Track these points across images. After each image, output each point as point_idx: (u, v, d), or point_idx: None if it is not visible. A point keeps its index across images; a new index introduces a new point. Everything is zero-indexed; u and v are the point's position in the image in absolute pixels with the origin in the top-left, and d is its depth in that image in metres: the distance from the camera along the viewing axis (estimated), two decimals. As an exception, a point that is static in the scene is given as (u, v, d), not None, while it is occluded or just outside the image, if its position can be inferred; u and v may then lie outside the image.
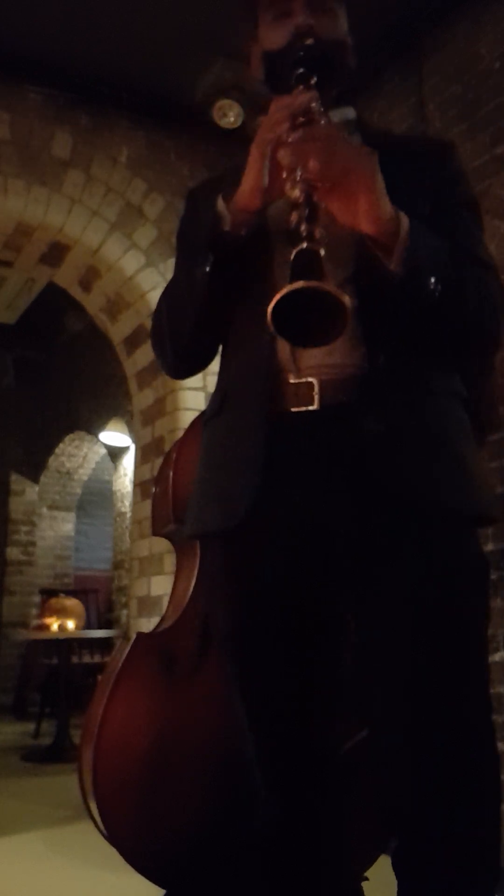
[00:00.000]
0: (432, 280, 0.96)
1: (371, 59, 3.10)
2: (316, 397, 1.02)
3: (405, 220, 0.96)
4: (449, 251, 1.02)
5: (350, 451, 1.00)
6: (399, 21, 3.00)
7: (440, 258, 0.99)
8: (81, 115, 3.51)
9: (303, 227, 0.86)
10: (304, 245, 0.84)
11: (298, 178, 0.90)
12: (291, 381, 1.04)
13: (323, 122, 0.97)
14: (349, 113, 1.20)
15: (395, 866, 0.97)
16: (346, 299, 0.81)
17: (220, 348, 1.20)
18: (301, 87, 1.01)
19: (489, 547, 2.41)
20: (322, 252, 0.84)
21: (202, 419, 1.22)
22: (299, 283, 0.80)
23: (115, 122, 3.59)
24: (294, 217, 0.88)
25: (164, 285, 1.24)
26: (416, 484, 0.99)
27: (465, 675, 0.97)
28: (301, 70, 1.02)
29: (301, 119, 0.95)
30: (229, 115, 3.27)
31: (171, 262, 3.53)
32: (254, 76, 1.19)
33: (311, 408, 1.02)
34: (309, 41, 1.06)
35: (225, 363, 1.18)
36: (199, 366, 1.23)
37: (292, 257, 0.84)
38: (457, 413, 1.07)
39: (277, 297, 0.81)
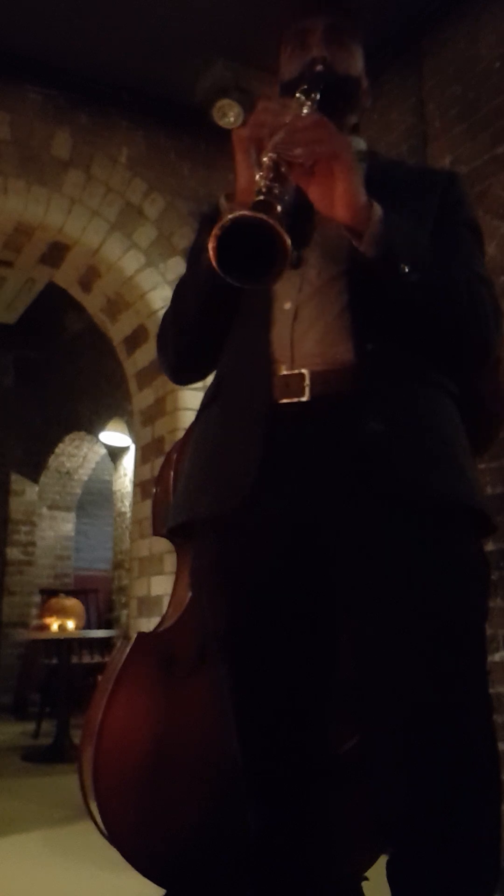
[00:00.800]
0: (405, 266, 0.98)
1: (371, 58, 3.10)
2: (307, 388, 1.03)
3: (377, 208, 0.98)
4: (430, 246, 1.04)
5: (343, 443, 1.00)
6: (399, 21, 3.00)
7: (415, 246, 1.01)
8: (81, 115, 3.51)
9: (263, 184, 0.87)
10: (261, 197, 0.85)
11: (274, 150, 0.93)
12: (283, 372, 1.05)
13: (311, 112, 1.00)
14: (360, 143, 1.23)
15: (390, 871, 0.96)
16: (287, 237, 0.82)
17: None
18: (297, 93, 1.04)
19: (489, 547, 2.41)
20: (279, 208, 0.84)
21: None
22: (240, 212, 0.81)
23: (115, 122, 3.59)
24: (258, 180, 0.90)
25: (164, 285, 1.25)
26: (412, 481, 0.99)
27: (463, 675, 0.97)
28: (304, 87, 1.06)
29: (291, 113, 0.98)
30: (229, 115, 3.27)
31: (172, 263, 3.56)
32: None
33: (301, 399, 1.03)
34: (319, 67, 1.11)
35: (223, 354, 1.18)
36: (200, 370, 1.24)
37: (251, 205, 0.84)
38: (448, 409, 1.08)
39: (219, 224, 0.82)
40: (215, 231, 0.82)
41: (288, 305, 1.07)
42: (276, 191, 0.87)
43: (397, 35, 3.06)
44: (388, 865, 0.96)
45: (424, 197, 1.14)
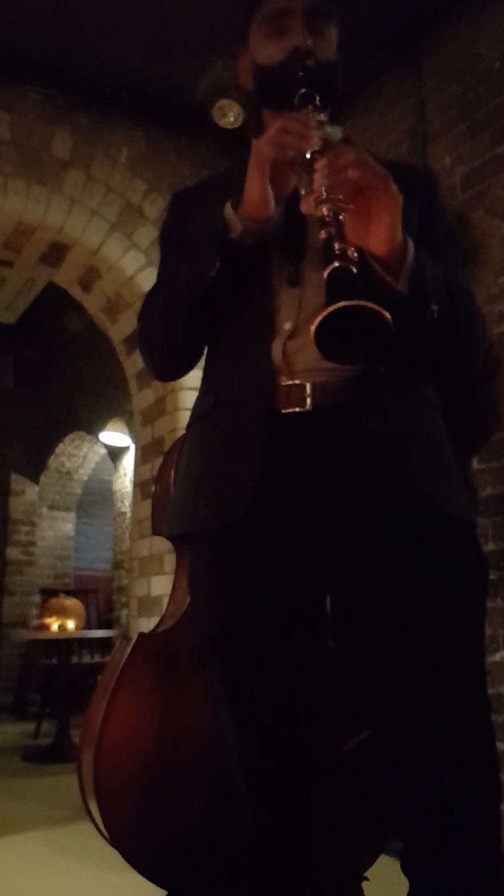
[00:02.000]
0: (434, 304, 1.00)
1: (371, 58, 3.10)
2: (308, 399, 1.04)
3: (411, 245, 0.99)
4: (443, 276, 1.05)
5: (343, 444, 1.01)
6: (399, 21, 3.00)
7: (439, 283, 1.03)
8: (81, 115, 3.51)
9: (336, 246, 0.87)
10: (337, 264, 0.85)
11: (324, 196, 0.91)
12: (284, 383, 1.05)
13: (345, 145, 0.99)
14: (337, 133, 1.22)
15: (404, 869, 0.97)
16: (388, 314, 0.82)
17: (206, 352, 1.21)
18: (309, 107, 1.02)
19: (489, 547, 2.41)
20: (355, 271, 0.85)
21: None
22: (344, 302, 0.81)
23: (115, 122, 3.58)
24: (322, 234, 0.90)
25: (164, 286, 1.24)
26: (412, 481, 0.99)
27: (463, 674, 0.97)
28: (304, 90, 1.04)
29: (316, 138, 0.96)
30: (229, 115, 3.27)
31: (171, 262, 3.54)
32: (242, 84, 1.21)
33: (303, 409, 1.03)
34: (310, 62, 1.08)
35: (214, 367, 1.18)
36: (185, 368, 1.24)
37: (326, 275, 0.85)
38: (437, 418, 1.11)
39: (321, 316, 0.82)
40: (317, 321, 0.82)
41: (288, 325, 1.08)
42: (350, 253, 0.86)
43: (397, 35, 3.06)
44: (402, 862, 0.97)
45: (407, 201, 1.12)
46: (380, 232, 0.95)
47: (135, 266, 3.57)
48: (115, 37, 3.16)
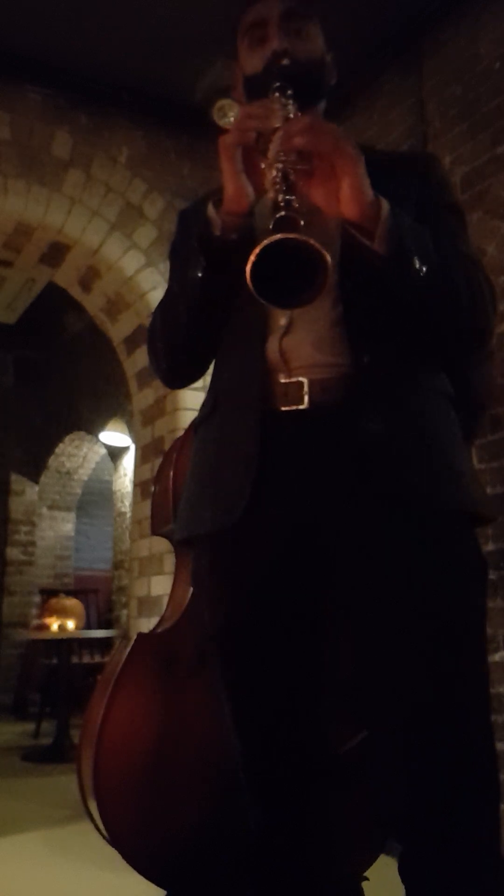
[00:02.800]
0: (417, 260, 0.97)
1: (371, 58, 3.10)
2: (305, 396, 1.03)
3: (385, 203, 0.97)
4: (430, 236, 1.03)
5: (342, 444, 1.01)
6: (399, 21, 3.00)
7: (422, 240, 1.00)
8: (81, 115, 3.51)
9: (280, 198, 0.86)
10: (283, 213, 0.84)
11: (274, 161, 0.91)
12: (282, 380, 1.05)
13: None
14: None
15: (401, 870, 0.96)
16: (327, 255, 0.81)
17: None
18: (275, 94, 1.01)
19: (489, 547, 2.41)
20: (301, 221, 0.83)
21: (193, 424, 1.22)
22: (277, 236, 0.80)
23: (115, 122, 3.58)
24: (271, 194, 0.89)
25: (165, 285, 1.24)
26: (412, 481, 0.99)
27: (463, 675, 0.97)
28: (277, 84, 1.03)
29: (278, 116, 0.96)
30: (229, 115, 3.27)
31: (172, 262, 3.54)
32: (239, 100, 1.21)
33: (300, 407, 1.03)
34: (284, 61, 1.08)
35: (216, 367, 1.19)
36: (193, 374, 1.23)
37: (271, 225, 0.84)
38: (445, 411, 1.08)
39: (254, 252, 0.80)
40: (252, 258, 0.80)
41: (283, 321, 1.07)
42: (296, 204, 0.86)
43: (397, 35, 3.05)
44: (399, 864, 0.96)
45: (402, 184, 1.12)
46: (345, 194, 0.94)
47: (135, 266, 3.57)
48: (115, 37, 3.16)
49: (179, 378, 1.26)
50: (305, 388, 1.03)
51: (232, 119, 3.55)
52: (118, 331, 3.92)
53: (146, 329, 1.27)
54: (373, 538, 1.00)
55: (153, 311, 1.24)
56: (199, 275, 1.05)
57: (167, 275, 1.32)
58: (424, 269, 0.98)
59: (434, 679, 0.95)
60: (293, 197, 0.87)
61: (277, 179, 0.89)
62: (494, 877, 0.93)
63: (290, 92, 1.02)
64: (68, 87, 3.45)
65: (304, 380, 1.04)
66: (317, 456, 1.02)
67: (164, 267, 3.57)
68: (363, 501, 1.00)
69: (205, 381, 1.24)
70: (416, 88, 3.04)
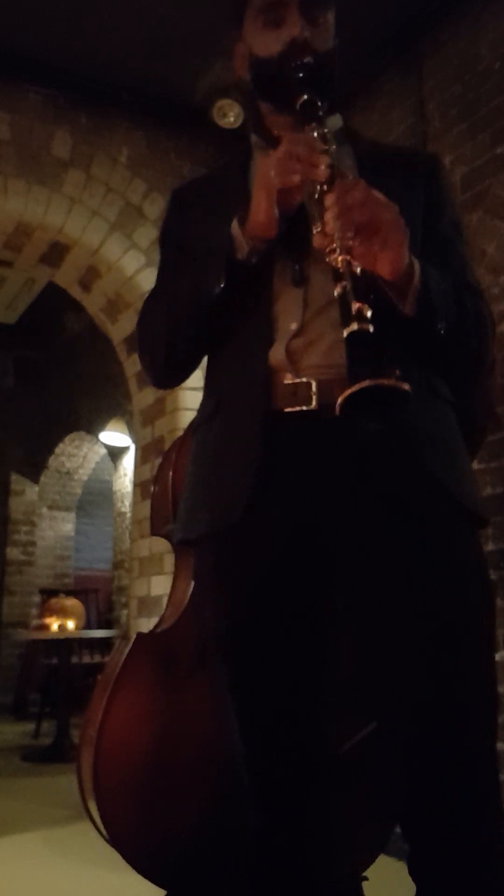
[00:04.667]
0: (440, 321, 1.00)
1: (371, 58, 3.10)
2: (314, 397, 1.03)
3: (418, 266, 0.99)
4: (451, 289, 1.05)
5: (345, 449, 1.01)
6: (399, 21, 3.00)
7: (447, 299, 1.03)
8: (81, 115, 3.51)
9: (354, 306, 0.88)
10: (356, 326, 0.87)
11: (337, 245, 0.92)
12: (288, 381, 1.05)
13: (350, 176, 0.99)
14: (338, 121, 1.20)
15: (411, 872, 0.96)
16: (406, 387, 0.85)
17: (208, 356, 1.21)
18: (313, 124, 1.01)
19: (489, 547, 2.41)
20: (372, 330, 0.86)
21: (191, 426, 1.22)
22: (365, 382, 0.84)
23: (115, 122, 3.59)
24: (338, 289, 0.90)
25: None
26: (411, 478, 0.99)
27: (464, 675, 0.97)
28: (306, 98, 1.03)
29: (325, 167, 0.97)
30: (229, 115, 3.27)
31: (171, 262, 3.54)
32: (237, 73, 1.19)
33: (309, 407, 1.03)
34: (308, 59, 1.05)
35: (216, 371, 1.18)
36: (185, 376, 1.24)
37: (345, 337, 0.87)
38: (447, 414, 1.10)
39: (345, 394, 0.85)
40: (344, 397, 0.85)
41: (294, 325, 1.07)
42: (367, 312, 0.87)
43: (397, 35, 3.06)
44: (409, 864, 0.96)
45: (411, 187, 1.13)
46: (386, 259, 0.95)
47: (135, 266, 3.57)
48: (115, 37, 3.16)
49: (175, 380, 1.26)
50: (314, 389, 1.03)
51: (232, 119, 3.54)
52: (118, 331, 3.92)
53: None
54: (374, 538, 1.00)
55: (144, 307, 1.23)
56: (217, 293, 1.05)
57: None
58: (445, 326, 1.01)
59: (435, 679, 0.95)
60: (363, 303, 0.88)
61: (343, 270, 0.91)
62: (497, 876, 0.92)
63: (321, 109, 1.02)
64: (68, 87, 3.45)
65: (313, 380, 1.03)
66: (319, 456, 1.02)
67: (164, 267, 3.57)
68: (364, 501, 1.00)
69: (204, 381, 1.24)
70: (416, 88, 3.04)
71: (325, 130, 1.01)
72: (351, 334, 0.87)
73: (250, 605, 1.06)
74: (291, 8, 1.09)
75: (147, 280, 3.57)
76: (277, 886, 1.10)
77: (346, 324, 0.87)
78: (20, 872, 2.39)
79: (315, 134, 1.00)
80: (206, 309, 1.08)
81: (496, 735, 0.99)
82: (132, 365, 3.91)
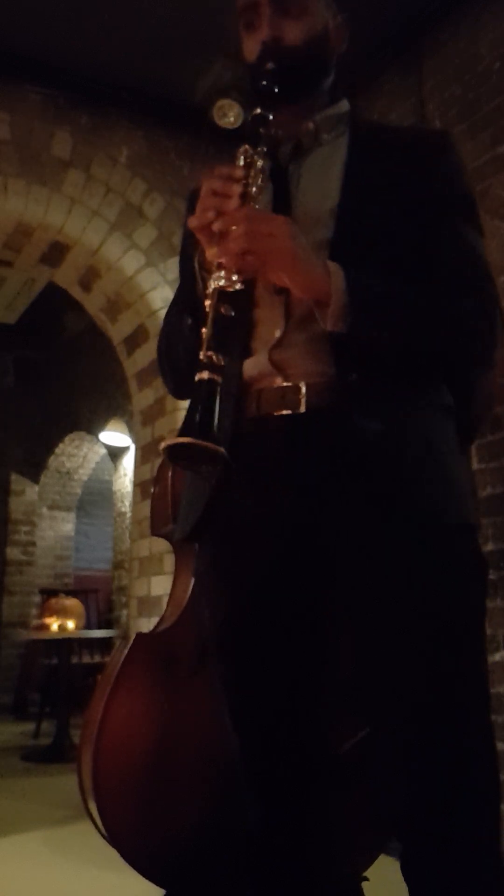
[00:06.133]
0: (378, 332, 0.99)
1: (371, 58, 3.10)
2: (303, 400, 1.03)
3: (338, 280, 0.97)
4: (401, 293, 1.02)
5: (340, 444, 1.00)
6: (399, 21, 3.00)
7: (386, 308, 1.00)
8: (81, 115, 3.51)
9: (203, 354, 0.90)
10: (206, 375, 0.90)
11: (210, 289, 0.94)
12: (277, 384, 1.05)
13: (252, 190, 0.99)
14: (342, 106, 1.19)
15: (404, 871, 0.96)
16: (222, 451, 0.87)
17: None
18: (245, 146, 1.01)
19: (489, 547, 2.41)
20: (219, 379, 0.90)
21: None
22: (184, 439, 0.88)
23: (115, 122, 3.59)
24: (203, 333, 0.92)
25: (165, 285, 1.25)
26: (408, 487, 0.99)
27: (463, 675, 0.97)
28: (258, 112, 1.03)
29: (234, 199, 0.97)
30: (229, 115, 3.27)
31: (172, 263, 3.55)
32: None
33: (298, 411, 1.03)
34: (270, 66, 1.05)
35: None
36: None
37: (195, 382, 0.90)
38: (442, 420, 1.07)
39: (168, 444, 0.88)
40: (163, 446, 0.89)
41: (277, 333, 1.07)
42: (219, 361, 0.90)
43: (397, 35, 3.06)
44: (402, 864, 0.96)
45: (412, 170, 1.08)
46: (291, 283, 0.97)
47: (135, 266, 3.57)
48: (115, 37, 3.16)
49: (186, 394, 1.27)
50: (303, 392, 1.03)
51: (232, 119, 3.54)
52: (118, 331, 3.92)
53: (148, 326, 1.29)
54: (372, 539, 1.00)
55: (164, 320, 1.26)
56: (186, 330, 1.08)
57: (167, 275, 1.32)
58: (386, 336, 1.00)
59: (433, 679, 0.95)
60: (217, 351, 0.90)
61: (210, 319, 0.92)
62: (495, 877, 0.92)
63: (269, 120, 1.02)
64: (68, 87, 3.45)
65: (302, 384, 1.03)
66: (315, 457, 1.02)
67: (164, 267, 3.57)
68: (361, 502, 1.00)
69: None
70: (416, 88, 3.04)
71: (256, 152, 1.00)
72: (199, 382, 0.89)
73: (250, 604, 1.06)
74: (262, 7, 1.08)
75: (147, 280, 3.57)
76: (277, 886, 1.10)
77: (197, 370, 0.91)
78: (20, 872, 2.39)
79: (242, 159, 1.00)
80: (189, 341, 1.07)
81: (494, 735, 0.99)
82: (132, 365, 3.91)
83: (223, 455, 0.88)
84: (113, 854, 1.59)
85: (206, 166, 3.64)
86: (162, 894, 1.61)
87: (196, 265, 1.05)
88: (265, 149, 1.02)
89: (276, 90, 1.04)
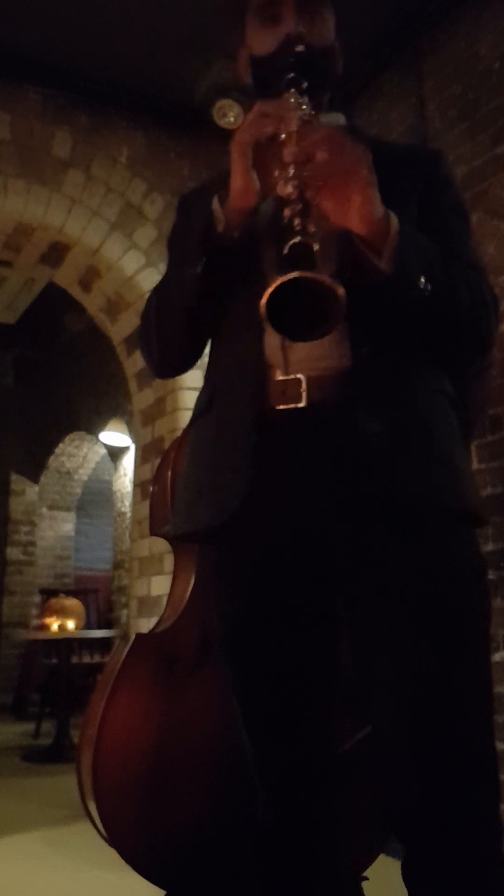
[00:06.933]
0: (422, 280, 0.97)
1: (371, 58, 3.10)
2: (303, 394, 1.02)
3: (395, 220, 0.97)
4: (439, 252, 1.03)
5: (341, 449, 1.00)
6: (399, 21, 3.00)
7: (430, 258, 1.00)
8: (81, 115, 3.51)
9: (296, 222, 0.85)
10: (298, 239, 0.84)
11: (291, 174, 0.90)
12: (279, 377, 1.03)
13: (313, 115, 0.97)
14: (339, 119, 1.20)
15: (404, 872, 0.96)
16: (341, 290, 0.81)
17: (208, 347, 1.20)
18: (292, 90, 1.01)
19: (489, 547, 2.41)
20: (316, 247, 0.83)
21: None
22: (293, 273, 0.79)
23: (115, 122, 3.58)
24: (287, 212, 0.88)
25: (165, 286, 1.23)
26: (410, 482, 0.99)
27: (465, 675, 0.97)
28: (291, 75, 1.03)
29: (294, 119, 0.95)
30: (229, 115, 3.27)
31: (171, 262, 3.54)
32: (242, 79, 1.20)
33: (298, 405, 1.02)
34: (300, 48, 1.06)
35: (213, 361, 1.17)
36: (184, 365, 1.22)
37: (286, 251, 0.84)
38: (445, 410, 1.08)
39: (271, 288, 0.80)
40: (267, 293, 0.80)
41: None
42: (311, 228, 0.85)
43: (397, 35, 3.05)
44: (402, 866, 0.96)
45: (407, 180, 1.12)
46: (355, 210, 0.94)
47: (135, 266, 3.57)
48: (115, 37, 3.16)
49: (172, 370, 1.26)
50: (304, 386, 1.02)
51: (232, 119, 3.54)
52: (118, 331, 3.92)
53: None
54: (375, 539, 1.00)
55: (147, 300, 1.23)
56: (199, 271, 1.04)
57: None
58: (429, 287, 0.98)
59: (435, 679, 0.95)
60: (308, 221, 0.86)
61: (293, 196, 0.88)
62: (496, 878, 0.92)
63: (304, 86, 1.01)
64: (68, 87, 3.45)
65: (302, 377, 1.02)
66: (316, 455, 1.02)
67: (164, 267, 3.57)
68: (364, 501, 1.00)
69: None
70: (416, 88, 3.04)
71: (303, 98, 0.99)
72: (292, 246, 0.83)
73: (251, 604, 1.06)
74: (288, 5, 1.11)
75: (147, 280, 3.57)
76: (280, 886, 1.10)
77: (288, 238, 0.84)
78: (20, 872, 2.39)
79: (289, 98, 0.99)
80: (191, 291, 1.06)
81: (494, 735, 0.99)
82: (132, 365, 3.91)
83: (342, 296, 0.80)
84: (113, 854, 1.59)
85: (206, 166, 3.64)
86: (162, 894, 1.61)
87: (215, 203, 1.02)
88: (306, 86, 1.01)
89: (305, 68, 1.04)
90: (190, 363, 1.21)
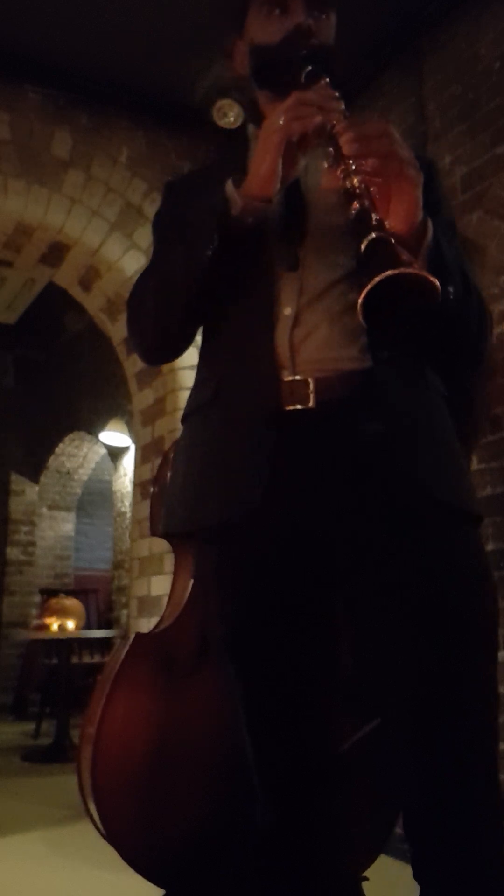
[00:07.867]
0: (451, 285, 0.97)
1: (371, 58, 3.10)
2: (311, 396, 1.02)
3: (431, 225, 0.96)
4: (461, 259, 1.04)
5: (348, 449, 1.00)
6: (399, 20, 2.99)
7: (456, 266, 1.01)
8: (81, 115, 3.51)
9: (373, 217, 0.84)
10: (374, 235, 0.83)
11: (353, 167, 0.89)
12: (286, 378, 1.03)
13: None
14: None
15: (415, 873, 0.96)
16: (436, 280, 0.80)
17: (202, 338, 1.18)
18: (325, 79, 1.00)
19: (489, 547, 2.41)
20: (393, 240, 0.83)
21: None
22: (393, 271, 0.78)
23: (115, 122, 3.58)
24: (355, 206, 0.87)
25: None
26: (411, 482, 0.99)
27: (466, 676, 0.96)
28: (311, 68, 1.02)
29: (338, 111, 0.95)
30: (229, 115, 3.27)
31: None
32: (237, 70, 1.19)
33: (306, 406, 1.01)
34: (314, 41, 1.06)
35: (214, 353, 1.15)
36: (175, 352, 1.20)
37: (364, 247, 0.83)
38: (443, 410, 1.08)
39: (367, 287, 0.79)
40: (366, 290, 0.79)
41: (288, 311, 1.05)
42: (387, 223, 0.85)
43: (397, 34, 3.05)
44: (412, 864, 0.96)
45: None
46: (400, 209, 0.92)
47: (135, 266, 3.57)
48: (115, 37, 3.16)
49: (164, 356, 1.24)
50: (311, 388, 1.02)
51: (232, 119, 3.53)
52: (118, 331, 3.91)
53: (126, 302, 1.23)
54: (380, 538, 1.00)
55: (137, 283, 1.20)
56: (210, 253, 1.02)
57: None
58: (456, 293, 0.98)
59: (435, 679, 0.95)
60: (380, 216, 0.85)
61: (360, 190, 0.87)
62: (497, 878, 0.92)
63: (326, 80, 1.00)
64: (68, 87, 3.45)
65: (310, 378, 1.02)
66: (322, 455, 1.02)
67: (164, 267, 3.56)
68: (369, 501, 1.00)
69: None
70: (416, 88, 3.04)
71: (337, 92, 0.99)
72: (371, 241, 0.82)
73: (252, 603, 1.06)
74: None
75: (147, 280, 3.56)
76: (281, 886, 1.10)
77: (364, 233, 0.83)
78: (20, 872, 2.39)
79: (326, 88, 0.99)
80: (199, 273, 1.05)
81: (498, 735, 0.99)
82: (132, 365, 3.91)
83: (437, 287, 0.79)
84: (113, 854, 1.59)
85: (206, 166, 3.64)
86: (162, 894, 1.61)
87: (230, 186, 1.01)
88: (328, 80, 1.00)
89: (320, 61, 1.03)
90: (182, 349, 1.19)
